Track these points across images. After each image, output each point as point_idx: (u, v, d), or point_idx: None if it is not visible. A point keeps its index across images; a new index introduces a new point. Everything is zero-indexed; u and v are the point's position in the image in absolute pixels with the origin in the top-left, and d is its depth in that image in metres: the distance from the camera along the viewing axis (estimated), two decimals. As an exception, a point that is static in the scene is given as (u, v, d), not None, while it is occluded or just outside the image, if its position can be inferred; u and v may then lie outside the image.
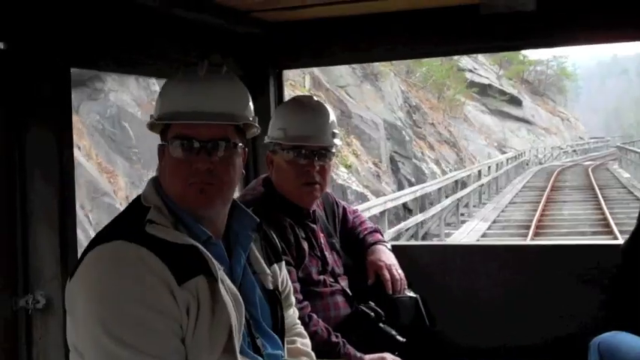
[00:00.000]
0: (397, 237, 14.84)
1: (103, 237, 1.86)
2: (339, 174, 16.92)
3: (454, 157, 30.02)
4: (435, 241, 13.34)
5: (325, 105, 3.01)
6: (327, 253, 2.98)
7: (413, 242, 10.27)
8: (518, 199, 24.36)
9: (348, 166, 17.73)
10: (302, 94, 16.97)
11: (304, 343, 2.33)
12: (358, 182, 17.50)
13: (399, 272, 3.09)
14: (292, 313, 2.37)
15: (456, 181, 21.34)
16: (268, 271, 2.15)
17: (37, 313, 2.28)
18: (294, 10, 3.17)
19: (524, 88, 56.12)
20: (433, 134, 28.78)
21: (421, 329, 3.06)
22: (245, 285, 2.04)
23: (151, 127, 2.04)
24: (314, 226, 2.99)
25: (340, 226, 3.26)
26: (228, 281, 1.94)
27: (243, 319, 1.94)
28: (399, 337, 2.84)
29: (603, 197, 22.41)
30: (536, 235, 16.24)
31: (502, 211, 20.90)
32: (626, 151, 41.23)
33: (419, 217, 16.14)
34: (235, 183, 2.04)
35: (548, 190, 26.02)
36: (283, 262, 2.30)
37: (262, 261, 2.15)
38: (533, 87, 60.95)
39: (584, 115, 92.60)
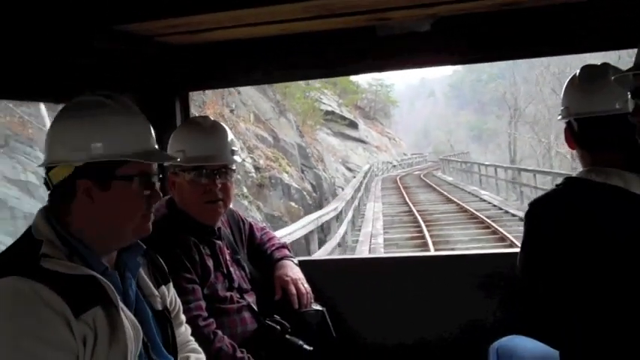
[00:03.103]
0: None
1: None
2: (284, 177, 23.67)
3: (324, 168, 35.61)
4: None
5: (222, 124, 2.93)
6: (232, 270, 2.94)
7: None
8: (386, 193, 30.78)
9: (287, 172, 24.45)
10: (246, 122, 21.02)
11: (199, 358, 2.35)
12: (295, 183, 24.61)
13: (305, 286, 3.05)
14: (184, 331, 2.38)
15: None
16: (157, 292, 2.17)
17: None
18: (197, 33, 3.05)
19: (358, 114, 59.10)
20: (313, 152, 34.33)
21: (327, 340, 3.07)
22: (139, 309, 2.05)
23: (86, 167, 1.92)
24: (219, 242, 2.93)
25: (247, 242, 3.21)
26: (125, 308, 1.93)
27: (140, 343, 1.94)
28: (306, 347, 2.81)
29: (440, 189, 30.57)
30: (414, 204, 23.27)
31: (382, 199, 27.36)
32: (448, 162, 50.97)
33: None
34: None
35: (401, 188, 32.49)
36: (171, 284, 2.30)
37: (150, 284, 2.16)
38: (365, 112, 64.25)
39: (400, 133, 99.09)
